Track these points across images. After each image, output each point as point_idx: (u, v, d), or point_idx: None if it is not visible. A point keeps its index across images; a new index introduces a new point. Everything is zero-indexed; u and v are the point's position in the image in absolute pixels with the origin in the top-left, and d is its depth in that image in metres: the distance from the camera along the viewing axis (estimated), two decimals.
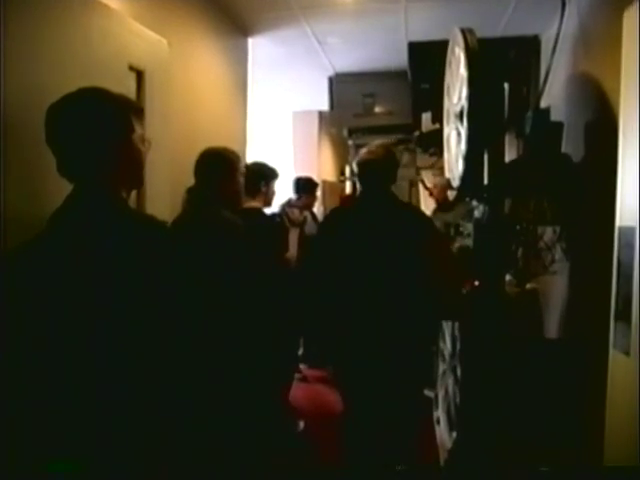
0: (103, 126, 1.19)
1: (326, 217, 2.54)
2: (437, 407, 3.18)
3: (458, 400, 2.75)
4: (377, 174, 2.29)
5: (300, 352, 4.06)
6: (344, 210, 2.66)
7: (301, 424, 3.27)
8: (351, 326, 2.20)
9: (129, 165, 1.24)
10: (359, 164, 2.32)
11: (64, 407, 1.13)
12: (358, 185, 4.76)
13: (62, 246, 1.16)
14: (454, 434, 2.76)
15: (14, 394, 1.14)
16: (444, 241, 2.61)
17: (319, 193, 4.67)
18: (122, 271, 1.14)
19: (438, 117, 3.37)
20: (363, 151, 2.34)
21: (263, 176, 2.90)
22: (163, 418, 1.17)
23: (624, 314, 1.58)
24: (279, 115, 6.13)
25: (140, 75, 1.95)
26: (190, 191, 2.19)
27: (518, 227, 2.55)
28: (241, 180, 2.29)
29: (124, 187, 1.24)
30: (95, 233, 1.16)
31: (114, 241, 1.15)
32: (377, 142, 2.38)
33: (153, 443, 1.18)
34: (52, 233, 1.19)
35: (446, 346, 2.98)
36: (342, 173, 6.31)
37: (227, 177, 2.22)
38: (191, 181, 2.54)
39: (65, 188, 1.57)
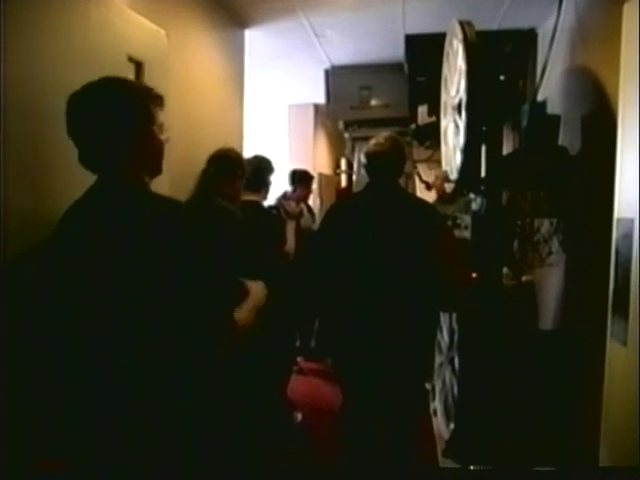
0: (127, 117, 1.20)
1: (331, 208, 2.49)
2: (434, 398, 3.20)
3: (455, 391, 2.77)
4: (385, 166, 2.26)
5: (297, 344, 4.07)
6: (349, 202, 2.63)
7: (298, 416, 3.28)
8: (357, 318, 2.19)
9: (151, 155, 1.26)
10: (367, 155, 2.29)
11: (94, 387, 1.16)
12: (355, 177, 4.84)
13: (92, 237, 1.16)
14: (451, 425, 2.79)
15: (44, 381, 1.16)
16: (452, 234, 2.60)
17: (315, 186, 4.67)
18: (156, 259, 1.14)
19: (434, 110, 3.38)
20: (371, 142, 2.30)
21: (263, 171, 2.92)
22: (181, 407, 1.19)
23: (622, 305, 1.60)
24: (275, 108, 6.11)
25: (139, 66, 1.94)
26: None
27: (515, 219, 2.56)
28: (241, 181, 2.46)
29: (146, 176, 1.26)
30: (127, 222, 1.17)
31: (146, 230, 1.16)
32: (385, 134, 2.33)
33: (165, 435, 1.20)
34: (78, 224, 1.19)
35: (443, 338, 3.00)
36: (338, 166, 6.30)
37: (228, 178, 2.44)
38: (189, 173, 2.56)
39: (65, 181, 1.57)
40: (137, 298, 1.13)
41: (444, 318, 2.93)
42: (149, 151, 1.25)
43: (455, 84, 2.57)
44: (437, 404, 3.13)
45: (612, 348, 1.69)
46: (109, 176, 1.20)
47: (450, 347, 2.91)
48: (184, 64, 2.68)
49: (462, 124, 2.43)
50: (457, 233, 2.83)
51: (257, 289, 1.44)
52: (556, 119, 2.61)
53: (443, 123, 3.01)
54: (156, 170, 1.30)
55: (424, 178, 4.34)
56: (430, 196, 4.27)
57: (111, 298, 1.14)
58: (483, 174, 2.56)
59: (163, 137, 1.28)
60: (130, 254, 1.13)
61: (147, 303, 1.13)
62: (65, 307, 1.16)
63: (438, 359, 3.07)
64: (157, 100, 1.27)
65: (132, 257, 1.13)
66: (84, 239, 1.16)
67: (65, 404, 1.18)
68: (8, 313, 1.28)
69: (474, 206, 2.69)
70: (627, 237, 1.59)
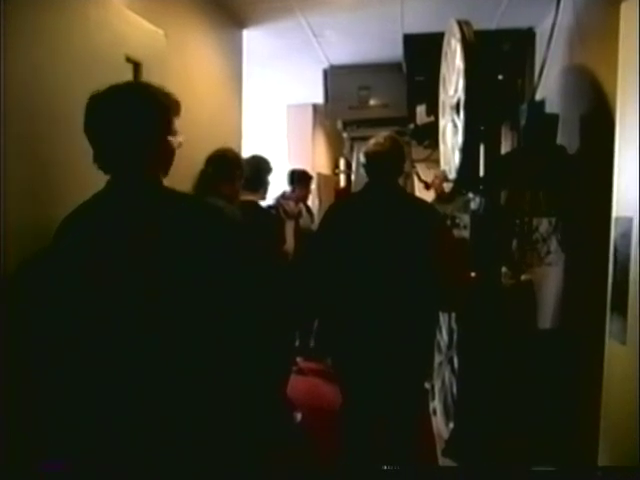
0: (149, 125, 1.24)
1: (330, 208, 2.49)
2: (434, 398, 3.20)
3: (455, 391, 2.77)
4: (384, 166, 2.25)
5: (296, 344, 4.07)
6: (348, 202, 2.63)
7: (298, 416, 3.28)
8: (356, 318, 2.19)
9: (163, 159, 1.31)
10: (366, 155, 2.28)
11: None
12: (354, 177, 4.84)
13: (118, 236, 1.20)
14: (451, 424, 2.79)
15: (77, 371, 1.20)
16: (451, 233, 2.60)
17: (313, 186, 4.67)
18: (183, 251, 1.20)
19: (433, 109, 3.38)
20: (370, 142, 2.30)
21: (261, 171, 2.93)
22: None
23: (620, 303, 1.60)
24: (273, 108, 6.11)
25: (137, 67, 1.93)
26: None
27: (514, 219, 2.56)
28: (240, 181, 2.47)
29: (158, 174, 1.30)
30: (153, 220, 1.21)
31: (173, 227, 1.21)
32: (384, 133, 2.33)
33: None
34: (94, 225, 1.23)
35: (442, 338, 3.00)
36: (337, 166, 6.30)
37: (227, 179, 2.50)
38: (187, 174, 2.56)
39: (65, 182, 1.57)
40: (168, 292, 1.18)
41: (443, 318, 2.93)
42: (163, 156, 1.30)
43: (453, 83, 2.57)
44: (436, 403, 3.13)
45: (611, 347, 1.69)
46: (127, 176, 1.24)
47: (449, 346, 2.91)
48: (182, 64, 2.68)
49: (460, 123, 2.43)
50: (456, 233, 2.83)
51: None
52: (554, 118, 2.60)
53: (441, 123, 3.01)
54: (165, 172, 1.35)
55: (423, 177, 4.35)
56: (429, 195, 4.26)
57: (139, 293, 1.18)
58: (481, 173, 2.56)
59: (176, 143, 1.33)
60: (160, 251, 1.18)
61: (178, 296, 1.18)
62: (98, 305, 1.20)
63: (437, 359, 3.07)
64: (176, 108, 1.32)
65: (163, 254, 1.18)
66: (107, 238, 1.20)
67: (92, 405, 1.20)
68: (29, 317, 1.29)
69: (473, 205, 2.69)
70: (626, 236, 1.59)
